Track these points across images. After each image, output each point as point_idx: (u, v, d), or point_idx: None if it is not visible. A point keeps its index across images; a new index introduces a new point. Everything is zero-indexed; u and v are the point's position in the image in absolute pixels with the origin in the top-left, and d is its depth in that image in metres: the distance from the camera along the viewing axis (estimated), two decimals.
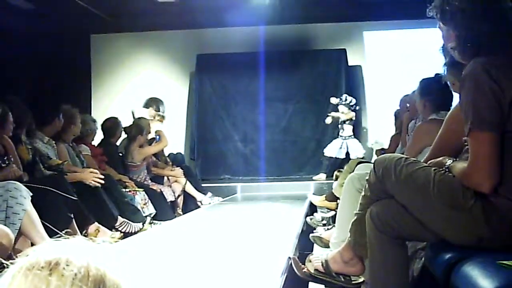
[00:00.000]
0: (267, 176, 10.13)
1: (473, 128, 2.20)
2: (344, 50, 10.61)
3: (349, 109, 9.54)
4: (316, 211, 6.59)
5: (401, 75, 9.99)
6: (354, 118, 9.63)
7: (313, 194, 7.68)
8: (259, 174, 10.21)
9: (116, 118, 7.30)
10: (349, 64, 10.63)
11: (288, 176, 10.02)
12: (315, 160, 10.01)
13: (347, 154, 9.38)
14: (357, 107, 9.77)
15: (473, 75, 2.22)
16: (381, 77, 10.63)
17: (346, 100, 9.59)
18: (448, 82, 3.37)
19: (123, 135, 7.45)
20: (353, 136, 9.63)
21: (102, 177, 5.40)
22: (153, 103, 9.02)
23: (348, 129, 9.57)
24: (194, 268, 3.43)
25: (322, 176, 9.34)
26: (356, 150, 9.44)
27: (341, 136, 9.59)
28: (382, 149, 6.73)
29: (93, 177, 5.31)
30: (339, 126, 9.63)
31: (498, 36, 2.32)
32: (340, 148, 9.50)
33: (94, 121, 6.83)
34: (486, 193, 2.18)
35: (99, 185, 5.32)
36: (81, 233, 4.63)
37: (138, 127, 7.35)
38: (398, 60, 10.51)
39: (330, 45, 10.82)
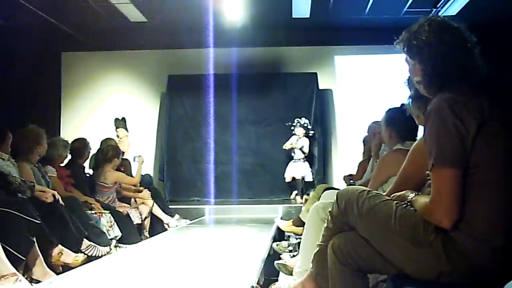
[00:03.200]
0: (237, 198, 10.11)
1: (436, 163, 2.20)
2: (315, 73, 10.70)
3: (305, 130, 9.68)
4: (284, 236, 6.58)
5: (371, 100, 10.09)
6: (306, 149, 9.86)
7: (281, 218, 7.67)
8: (229, 197, 10.19)
9: (85, 139, 7.19)
10: (320, 87, 10.71)
11: (258, 199, 10.00)
12: (285, 183, 10.01)
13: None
14: (311, 132, 9.97)
15: (438, 111, 2.23)
16: (351, 101, 10.73)
17: (298, 121, 9.74)
18: (413, 115, 3.38)
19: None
20: (303, 160, 9.81)
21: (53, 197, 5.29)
22: (121, 123, 9.01)
23: (298, 153, 9.75)
24: None
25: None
26: (303, 172, 9.69)
27: (293, 158, 9.86)
28: (350, 175, 6.72)
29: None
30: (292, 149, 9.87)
31: (464, 72, 2.34)
32: (292, 170, 9.78)
33: (66, 146, 6.65)
34: (447, 229, 2.18)
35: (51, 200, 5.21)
36: (43, 256, 4.57)
37: (115, 150, 7.30)
38: (368, 85, 10.61)
39: (301, 68, 10.90)
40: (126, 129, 9.33)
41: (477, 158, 2.17)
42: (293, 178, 9.77)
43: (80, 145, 7.00)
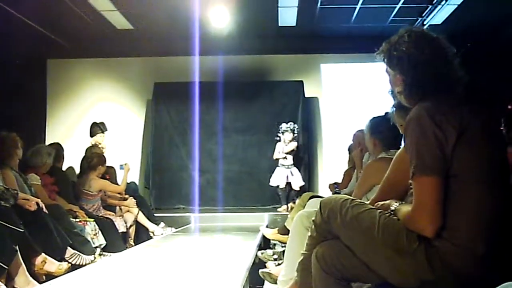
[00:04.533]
0: (222, 206, 10.07)
1: (416, 172, 2.22)
2: (301, 81, 10.71)
3: (293, 134, 9.60)
4: (269, 244, 6.57)
5: (357, 108, 10.11)
6: (295, 149, 9.73)
7: (267, 226, 7.66)
8: (214, 205, 10.14)
9: (58, 143, 7.34)
10: (306, 95, 10.71)
11: (244, 207, 9.97)
12: (271, 192, 9.96)
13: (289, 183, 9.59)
14: (296, 131, 9.83)
15: (417, 119, 2.25)
16: (337, 109, 10.75)
17: (288, 127, 9.64)
18: (397, 124, 3.39)
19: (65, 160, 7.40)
20: (293, 165, 9.69)
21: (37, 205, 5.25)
22: (97, 127, 8.95)
23: (290, 158, 9.65)
24: None
25: (285, 207, 9.32)
26: (297, 179, 9.56)
27: (283, 165, 9.65)
28: (336, 183, 6.73)
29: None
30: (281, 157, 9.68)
31: (444, 82, 2.37)
32: (286, 176, 9.59)
33: (50, 153, 6.62)
34: (430, 237, 2.19)
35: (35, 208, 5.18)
36: (26, 265, 4.53)
37: (100, 158, 7.29)
38: (354, 93, 10.63)
39: (287, 76, 10.91)
40: (102, 132, 9.23)
41: (458, 166, 2.18)
42: (287, 185, 9.62)
43: (55, 149, 6.94)
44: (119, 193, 7.59)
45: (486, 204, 2.18)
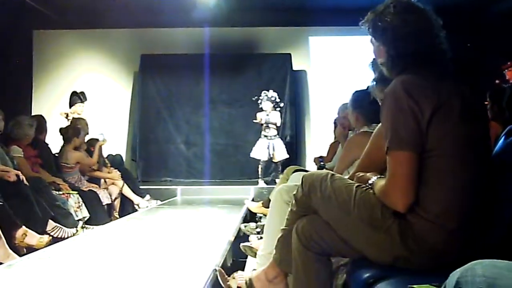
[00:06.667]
0: (209, 179, 10.07)
1: (391, 147, 2.18)
2: (289, 54, 10.65)
3: (273, 104, 9.47)
4: (255, 217, 6.57)
5: (345, 81, 10.04)
6: (278, 123, 9.55)
7: (253, 199, 7.66)
8: (201, 177, 10.16)
9: (41, 115, 7.33)
10: (294, 68, 10.66)
11: (230, 180, 9.96)
12: (257, 165, 9.93)
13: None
14: (281, 104, 9.68)
15: (393, 93, 2.20)
16: (325, 82, 10.69)
17: (266, 95, 9.49)
18: (377, 98, 3.35)
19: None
20: (277, 136, 9.57)
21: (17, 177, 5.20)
22: (76, 97, 8.87)
23: (272, 129, 9.50)
24: (118, 277, 3.36)
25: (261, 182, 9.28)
26: (281, 152, 9.46)
27: (265, 136, 9.49)
28: (321, 156, 6.71)
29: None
30: (263, 126, 9.49)
31: (427, 55, 2.31)
32: (267, 148, 9.44)
33: (32, 125, 6.51)
34: (404, 213, 2.17)
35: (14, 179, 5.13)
36: (6, 238, 4.50)
37: (75, 129, 7.21)
38: (343, 66, 10.57)
39: (275, 49, 10.84)
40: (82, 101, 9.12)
41: (433, 142, 2.14)
42: (269, 158, 9.49)
43: (37, 121, 6.87)
44: (91, 167, 7.48)
45: (459, 180, 2.15)
